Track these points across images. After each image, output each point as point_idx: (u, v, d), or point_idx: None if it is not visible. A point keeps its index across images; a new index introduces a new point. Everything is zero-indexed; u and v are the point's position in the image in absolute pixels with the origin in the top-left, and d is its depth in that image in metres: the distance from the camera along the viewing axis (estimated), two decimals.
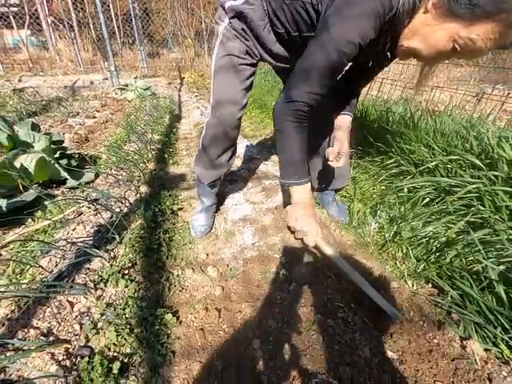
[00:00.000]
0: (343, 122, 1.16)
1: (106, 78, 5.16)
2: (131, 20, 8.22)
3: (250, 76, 1.14)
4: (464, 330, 0.94)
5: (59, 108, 3.72)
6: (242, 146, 2.52)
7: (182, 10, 8.19)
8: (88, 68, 7.97)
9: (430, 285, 1.14)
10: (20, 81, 5.95)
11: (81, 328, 0.85)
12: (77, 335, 0.83)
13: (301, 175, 0.95)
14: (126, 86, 4.51)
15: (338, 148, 1.10)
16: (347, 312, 0.95)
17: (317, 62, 0.82)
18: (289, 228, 1.09)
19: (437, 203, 1.20)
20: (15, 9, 8.74)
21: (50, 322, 0.85)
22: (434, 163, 1.22)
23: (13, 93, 4.40)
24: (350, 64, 0.86)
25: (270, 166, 2.10)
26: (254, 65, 1.14)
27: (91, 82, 5.78)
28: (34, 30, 8.98)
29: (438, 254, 1.16)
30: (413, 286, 1.15)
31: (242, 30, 1.03)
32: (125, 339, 0.86)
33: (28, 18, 8.34)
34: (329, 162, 1.12)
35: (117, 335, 0.85)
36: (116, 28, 9.03)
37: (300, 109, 0.87)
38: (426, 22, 0.72)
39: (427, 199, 1.25)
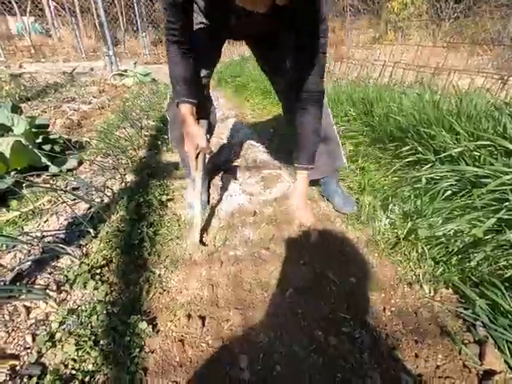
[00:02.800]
0: (299, 184, 1.16)
1: (107, 65, 4.99)
2: (134, 6, 8.01)
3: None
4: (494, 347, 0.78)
5: (55, 94, 3.59)
6: (241, 133, 2.35)
7: None
8: (90, 55, 7.81)
9: (451, 290, 0.99)
10: (20, 67, 5.83)
11: (33, 340, 0.71)
12: (28, 349, 0.70)
13: (177, 96, 1.06)
14: (125, 71, 4.34)
15: (299, 223, 1.16)
16: (353, 325, 0.79)
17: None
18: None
19: (460, 197, 1.03)
20: None
21: None
22: (457, 150, 1.04)
23: (10, 78, 4.27)
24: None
25: (270, 155, 1.93)
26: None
27: (91, 69, 5.63)
28: (37, 16, 8.82)
29: (460, 255, 1.00)
30: (430, 291, 0.99)
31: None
32: (87, 353, 0.72)
33: (30, 2, 8.17)
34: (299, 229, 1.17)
35: (77, 349, 0.71)
36: (119, 14, 8.82)
37: (166, 38, 1.01)
38: None
39: (448, 192, 1.07)
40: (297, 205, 1.16)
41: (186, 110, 1.06)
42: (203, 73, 1.24)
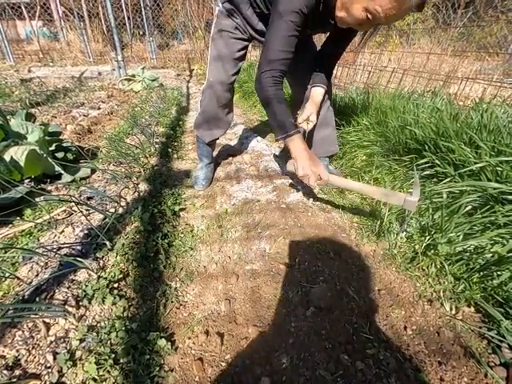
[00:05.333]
0: (315, 93, 1.37)
1: (114, 69, 5.03)
2: (141, 11, 8.08)
3: (241, 49, 1.38)
4: None
5: (64, 99, 3.61)
6: (250, 140, 2.35)
7: (192, 0, 7.96)
8: (98, 59, 7.89)
9: (473, 309, 0.96)
10: (29, 71, 5.89)
11: (54, 358, 0.70)
12: (49, 368, 0.69)
13: (288, 129, 1.13)
14: (133, 76, 4.37)
15: (307, 115, 1.36)
16: (377, 347, 0.78)
17: (275, 35, 1.05)
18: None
19: (482, 213, 1.01)
20: (27, 0, 8.69)
21: (18, 350, 0.71)
22: (479, 165, 1.02)
23: (20, 83, 4.32)
24: (308, 31, 1.16)
25: (282, 164, 1.92)
26: (244, 39, 1.36)
27: (99, 73, 5.68)
28: (46, 21, 8.94)
29: (482, 273, 0.97)
30: (451, 309, 0.97)
31: (232, 9, 1.27)
32: (108, 372, 0.71)
33: (39, 8, 8.28)
34: (298, 124, 1.36)
35: (98, 368, 0.70)
36: (126, 19, 8.89)
37: (274, 75, 1.08)
38: None
39: (469, 207, 1.05)
40: (310, 107, 1.36)
41: (298, 139, 1.15)
42: (234, 77, 1.44)
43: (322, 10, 1.05)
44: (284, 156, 2.04)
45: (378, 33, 1.11)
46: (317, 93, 1.37)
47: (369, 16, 0.89)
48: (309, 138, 1.61)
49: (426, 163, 1.27)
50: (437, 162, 1.20)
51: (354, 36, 1.33)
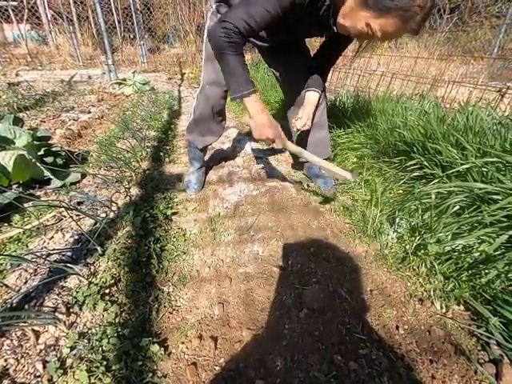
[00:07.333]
0: (311, 98, 1.39)
1: (105, 73, 4.98)
2: (132, 14, 8.04)
3: None
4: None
5: (53, 103, 3.56)
6: (243, 143, 2.36)
7: (183, 4, 7.97)
8: (88, 63, 7.81)
9: (462, 307, 0.98)
10: (17, 75, 5.79)
11: (44, 367, 0.69)
12: (39, 377, 0.67)
13: (245, 88, 1.05)
14: (124, 80, 4.34)
15: (305, 120, 1.37)
16: (370, 346, 0.78)
17: (257, 2, 0.96)
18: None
19: (469, 213, 1.03)
20: (14, 3, 8.56)
21: (6, 360, 0.69)
22: (465, 166, 1.05)
23: (8, 87, 4.25)
24: (304, 30, 1.19)
25: (274, 166, 1.93)
26: None
27: (89, 77, 5.62)
28: (34, 24, 8.82)
29: (470, 271, 1.00)
30: (441, 307, 0.98)
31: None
32: (99, 380, 0.70)
33: (27, 11, 8.16)
34: (295, 129, 1.42)
35: (89, 376, 0.69)
36: (117, 22, 8.84)
37: (231, 28, 0.96)
38: (351, 6, 0.92)
39: (456, 207, 1.08)
40: (307, 111, 1.38)
41: (257, 99, 1.08)
42: None
43: (323, 12, 1.02)
44: (276, 159, 2.05)
45: (372, 45, 1.16)
46: (312, 97, 1.39)
47: (369, 31, 0.92)
48: (303, 141, 1.62)
49: (414, 165, 1.30)
50: (425, 163, 1.23)
51: (350, 43, 1.37)
